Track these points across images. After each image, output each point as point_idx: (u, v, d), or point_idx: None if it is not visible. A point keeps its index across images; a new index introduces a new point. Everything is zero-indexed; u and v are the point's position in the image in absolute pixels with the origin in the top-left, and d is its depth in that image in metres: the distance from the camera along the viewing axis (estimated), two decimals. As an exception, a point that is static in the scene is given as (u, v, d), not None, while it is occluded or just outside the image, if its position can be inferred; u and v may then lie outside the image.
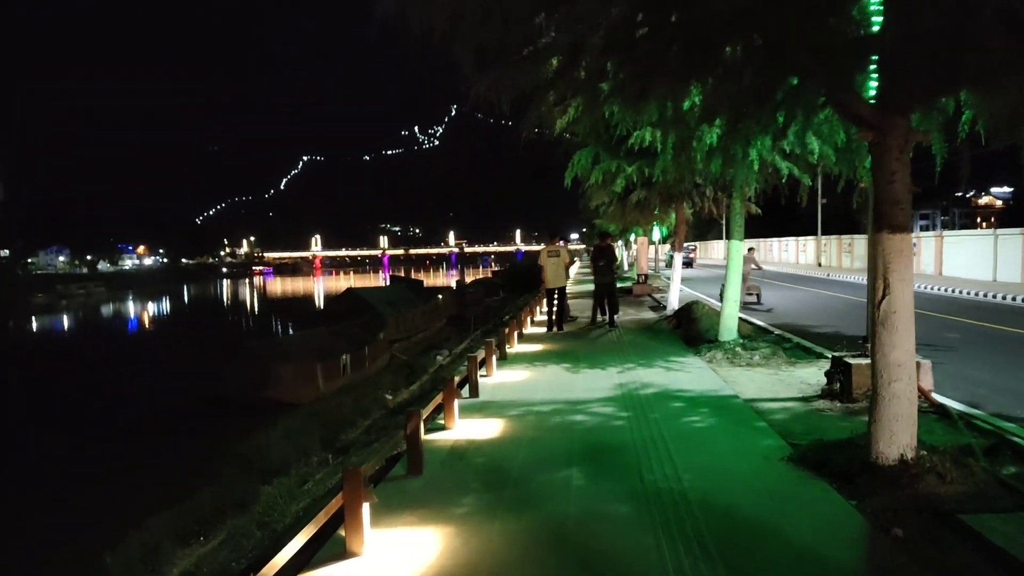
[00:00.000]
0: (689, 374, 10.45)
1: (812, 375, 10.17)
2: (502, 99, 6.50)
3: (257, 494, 13.08)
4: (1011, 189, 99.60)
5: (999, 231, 30.13)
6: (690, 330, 14.23)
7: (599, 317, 16.92)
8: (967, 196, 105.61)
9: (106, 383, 29.60)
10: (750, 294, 21.34)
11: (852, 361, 8.33)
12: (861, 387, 8.20)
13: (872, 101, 5.79)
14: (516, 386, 10.06)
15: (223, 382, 23.63)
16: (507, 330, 13.42)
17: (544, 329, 16.82)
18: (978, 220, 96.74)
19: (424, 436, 6.89)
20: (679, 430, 7.31)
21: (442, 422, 7.83)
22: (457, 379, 8.09)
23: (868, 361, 8.29)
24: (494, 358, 10.94)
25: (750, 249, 28.80)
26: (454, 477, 6.08)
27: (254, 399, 21.37)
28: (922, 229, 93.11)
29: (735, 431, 7.23)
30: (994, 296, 22.98)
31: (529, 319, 17.57)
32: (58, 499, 14.94)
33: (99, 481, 16.23)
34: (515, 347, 13.80)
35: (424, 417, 6.97)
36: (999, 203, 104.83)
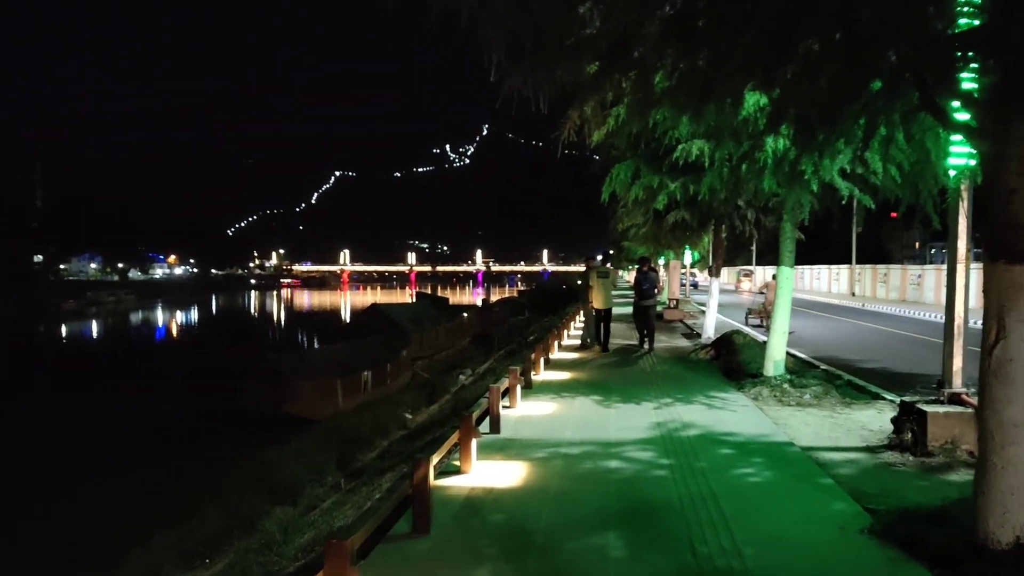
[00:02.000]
0: (734, 413, 9.41)
1: (872, 419, 9.10)
2: (539, 95, 5.61)
3: (266, 515, 12.39)
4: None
5: None
6: (730, 362, 13.18)
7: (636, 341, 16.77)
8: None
9: (124, 392, 29.23)
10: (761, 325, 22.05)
11: (927, 409, 7.26)
12: (938, 439, 7.14)
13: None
14: (542, 421, 9.09)
15: (241, 394, 23.11)
16: (533, 356, 12.46)
17: (574, 354, 15.87)
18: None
19: (435, 481, 5.95)
20: (732, 485, 6.29)
21: (457, 463, 6.88)
22: (476, 413, 7.14)
23: (946, 409, 7.25)
24: (518, 388, 9.97)
25: (773, 276, 27.72)
26: (467, 539, 5.12)
27: (272, 413, 20.84)
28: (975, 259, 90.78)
29: (798, 489, 6.20)
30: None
31: (556, 343, 16.61)
32: (61, 510, 14.37)
33: (106, 491, 15.67)
34: (541, 374, 12.84)
35: (437, 462, 6.05)
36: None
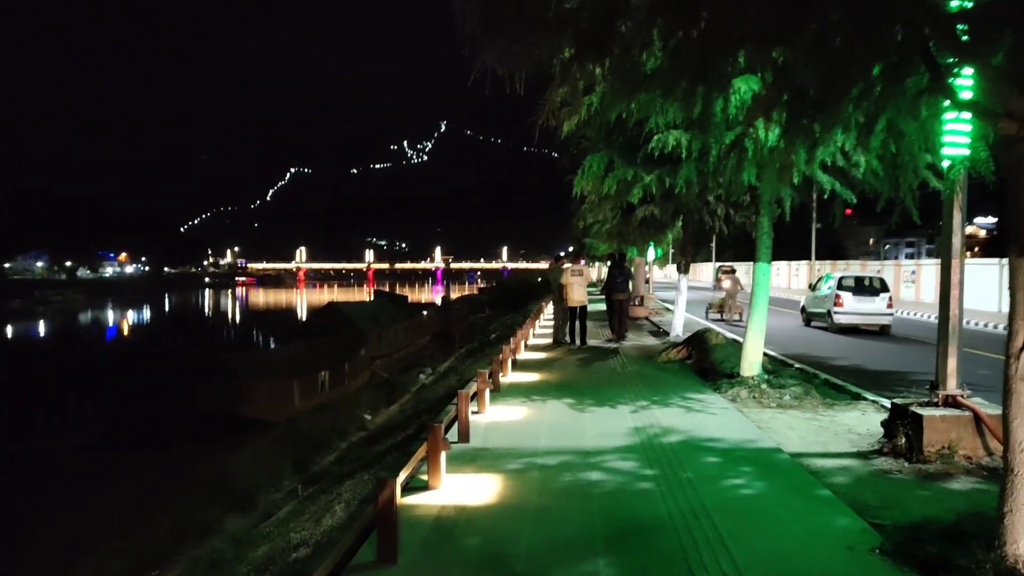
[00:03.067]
0: (714, 417, 8.97)
1: (857, 421, 8.73)
2: (515, 73, 5.06)
3: (219, 523, 11.75)
4: (995, 220, 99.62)
5: (1003, 260, 28.92)
6: (703, 361, 12.77)
7: (611, 335, 17.25)
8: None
9: (70, 394, 28.14)
10: (732, 313, 23.60)
11: (923, 412, 6.87)
12: (934, 444, 6.75)
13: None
14: (514, 428, 8.55)
15: (195, 397, 22.45)
16: (501, 356, 11.92)
17: (541, 354, 15.38)
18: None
19: (401, 499, 5.37)
20: (724, 499, 5.81)
21: (425, 476, 6.30)
22: (444, 421, 6.57)
23: (942, 413, 6.87)
24: (487, 392, 9.41)
25: (733, 271, 27.70)
26: (439, 569, 4.55)
27: (226, 415, 20.22)
28: (907, 257, 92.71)
29: (795, 502, 5.74)
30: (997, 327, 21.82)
31: (523, 342, 16.08)
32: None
33: (49, 499, 14.86)
34: (508, 376, 12.30)
35: (404, 478, 5.47)
36: (983, 233, 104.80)
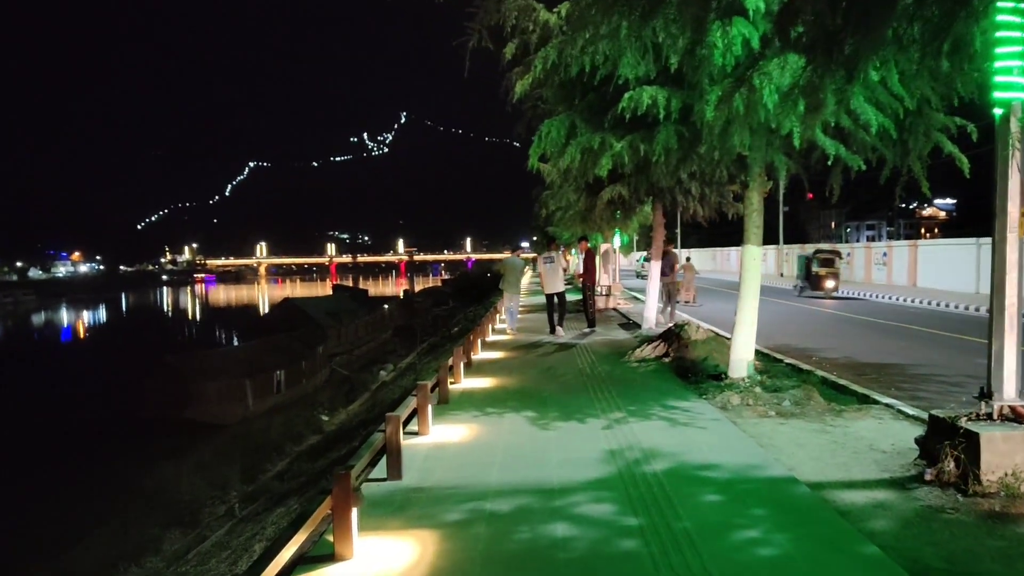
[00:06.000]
0: (704, 431, 7.41)
1: (875, 433, 7.23)
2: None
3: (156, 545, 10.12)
4: (954, 200, 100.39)
5: (982, 240, 27.89)
6: (683, 359, 11.23)
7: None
8: (911, 207, 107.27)
9: (9, 399, 26.23)
10: (687, 303, 24.10)
11: (980, 430, 5.35)
12: (995, 471, 5.26)
13: None
14: (462, 454, 6.89)
15: (140, 400, 21.02)
16: (451, 361, 10.27)
17: (499, 353, 13.78)
18: (922, 231, 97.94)
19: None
20: (739, 565, 4.22)
21: (331, 537, 4.63)
22: (357, 469, 4.89)
23: (1005, 431, 5.36)
24: (429, 408, 7.73)
25: (687, 258, 26.54)
26: None
27: (173, 419, 18.90)
28: (868, 239, 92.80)
29: (834, 565, 4.18)
30: (978, 309, 20.67)
31: (480, 340, 14.44)
32: None
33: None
34: (461, 382, 10.66)
35: (294, 553, 3.83)
36: (943, 214, 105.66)
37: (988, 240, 19.21)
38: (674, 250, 19.62)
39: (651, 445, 6.87)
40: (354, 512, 4.53)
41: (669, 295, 18.56)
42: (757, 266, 9.32)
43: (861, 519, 4.95)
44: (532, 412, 8.53)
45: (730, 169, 10.11)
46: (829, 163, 7.81)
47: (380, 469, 6.27)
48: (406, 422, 7.58)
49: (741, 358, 9.32)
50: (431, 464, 6.53)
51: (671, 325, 13.17)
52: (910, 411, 7.95)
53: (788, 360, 11.79)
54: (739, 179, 9.61)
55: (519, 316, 17.71)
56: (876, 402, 8.58)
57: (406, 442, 7.14)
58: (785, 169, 8.13)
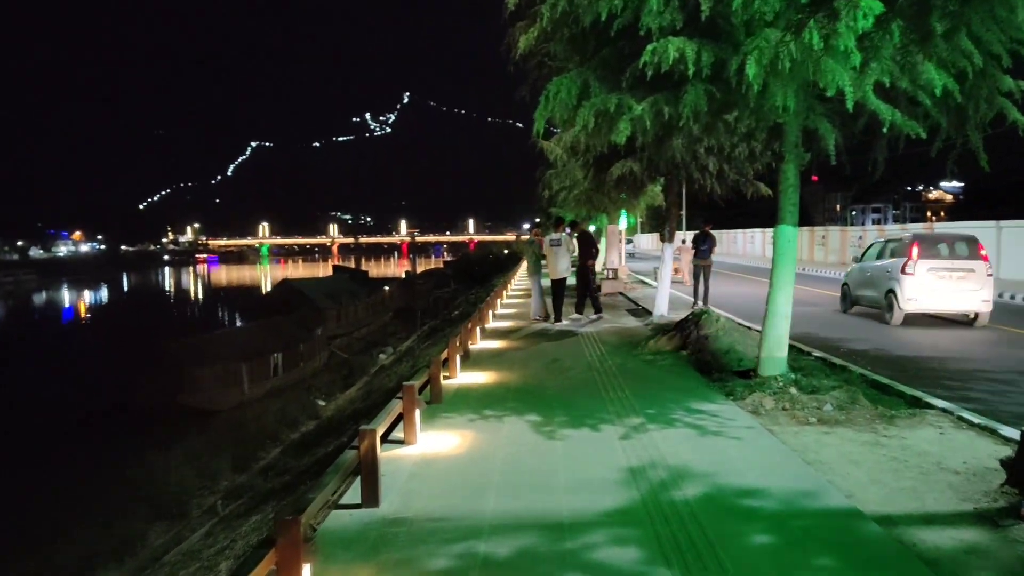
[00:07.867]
0: (739, 443, 6.32)
1: (939, 446, 6.16)
2: None
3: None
4: (961, 184, 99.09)
5: (1003, 223, 26.64)
6: (703, 352, 10.15)
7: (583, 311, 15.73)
8: (918, 190, 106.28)
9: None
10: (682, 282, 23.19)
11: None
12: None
13: None
14: (453, 471, 5.83)
15: (133, 386, 20.48)
16: (444, 354, 9.20)
17: (500, 342, 12.75)
18: (928, 215, 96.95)
19: None
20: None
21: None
22: (310, 515, 3.83)
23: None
24: (417, 414, 6.64)
25: (683, 241, 25.44)
26: None
27: (167, 406, 18.33)
28: (873, 223, 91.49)
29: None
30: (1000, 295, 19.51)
31: (479, 328, 13.38)
32: None
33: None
34: (457, 377, 9.60)
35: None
36: (949, 197, 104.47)
37: (1010, 223, 17.61)
38: (712, 231, 18.29)
39: (678, 462, 5.79)
40: (305, 571, 3.47)
41: (704, 279, 17.46)
42: (793, 249, 8.20)
43: (955, 572, 3.88)
44: (536, 415, 7.46)
45: (762, 140, 9.00)
46: (884, 129, 6.67)
47: (353, 491, 5.22)
48: (391, 428, 6.55)
49: (774, 354, 8.23)
50: (416, 485, 5.47)
51: (689, 313, 12.06)
52: (975, 419, 6.86)
53: (817, 353, 10.70)
54: (773, 149, 8.45)
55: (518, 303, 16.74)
56: (930, 406, 7.50)
57: (389, 454, 6.10)
58: (833, 138, 6.99)
